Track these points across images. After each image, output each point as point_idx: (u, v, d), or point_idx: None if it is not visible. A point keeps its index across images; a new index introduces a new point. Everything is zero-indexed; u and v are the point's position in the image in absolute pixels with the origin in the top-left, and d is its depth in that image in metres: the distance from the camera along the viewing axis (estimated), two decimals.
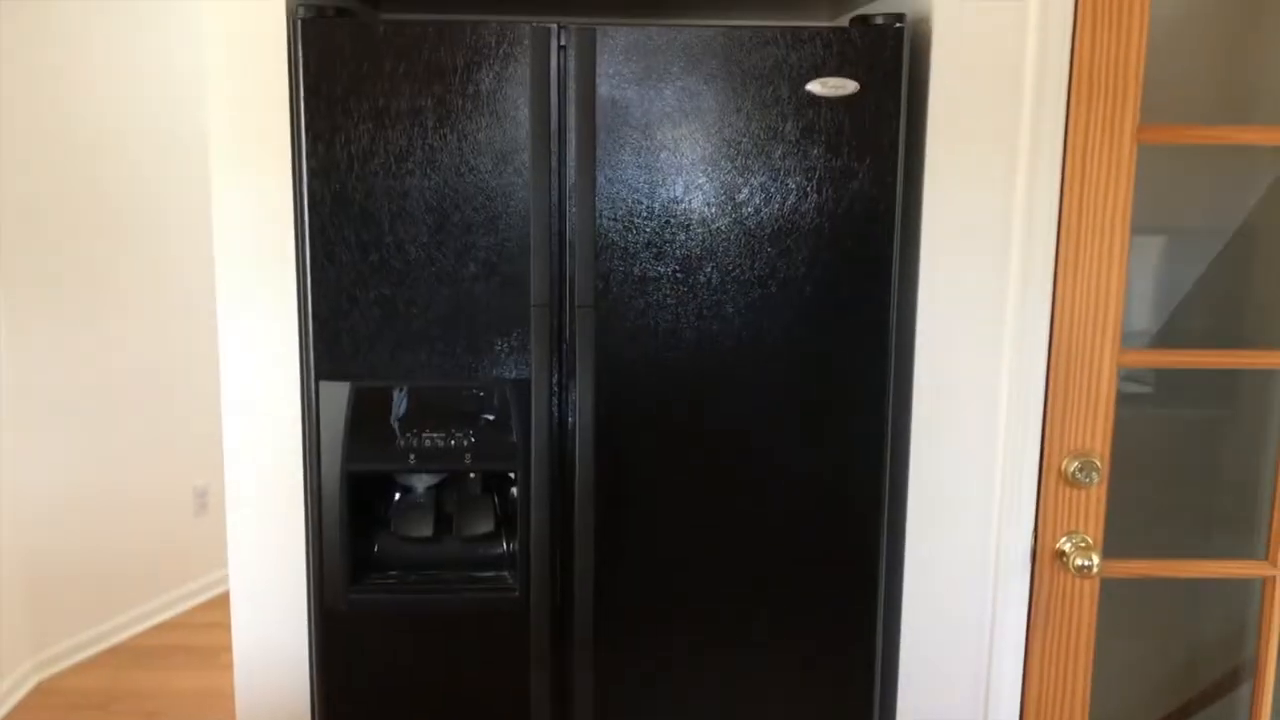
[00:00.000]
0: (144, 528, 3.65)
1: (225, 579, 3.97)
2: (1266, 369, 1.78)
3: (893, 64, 1.47)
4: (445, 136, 1.45)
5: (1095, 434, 1.62)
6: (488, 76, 1.44)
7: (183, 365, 3.74)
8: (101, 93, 3.43)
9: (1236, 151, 1.96)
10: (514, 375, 1.50)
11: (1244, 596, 2.14)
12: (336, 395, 1.49)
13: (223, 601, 3.87)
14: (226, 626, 3.64)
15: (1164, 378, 1.99)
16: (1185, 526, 2.13)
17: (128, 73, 3.52)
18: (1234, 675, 2.19)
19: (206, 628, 3.65)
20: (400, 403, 1.51)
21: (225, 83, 1.48)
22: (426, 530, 1.54)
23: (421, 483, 1.58)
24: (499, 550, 1.58)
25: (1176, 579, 1.80)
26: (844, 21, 1.91)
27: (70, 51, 3.31)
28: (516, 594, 1.54)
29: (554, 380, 1.50)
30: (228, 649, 3.46)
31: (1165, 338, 1.99)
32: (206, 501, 3.87)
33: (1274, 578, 1.69)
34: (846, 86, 1.47)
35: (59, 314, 3.30)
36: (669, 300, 1.50)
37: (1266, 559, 1.70)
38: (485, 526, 1.55)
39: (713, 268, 1.50)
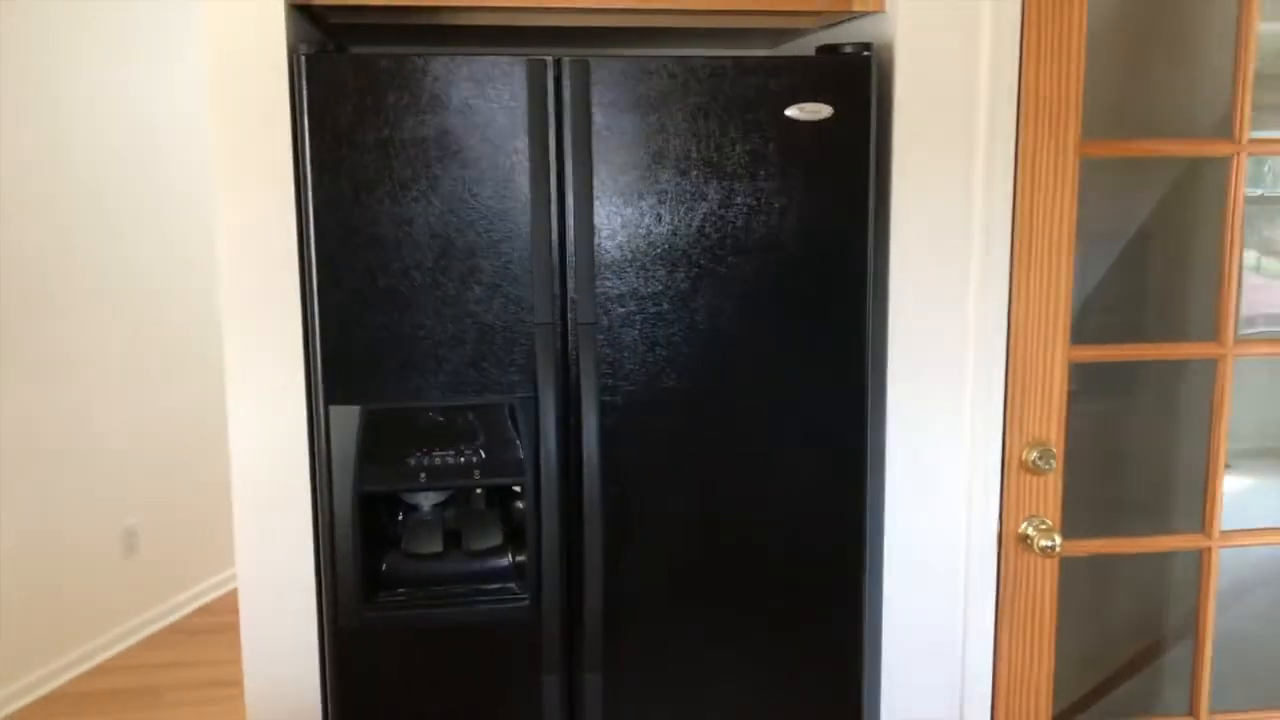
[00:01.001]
0: (72, 571, 3.54)
1: (156, 619, 3.87)
2: (1173, 360, 1.97)
3: (862, 89, 1.58)
4: (447, 165, 1.51)
5: (1051, 424, 1.76)
6: (487, 106, 1.50)
7: (103, 405, 3.65)
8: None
9: (1134, 163, 2.14)
10: (520, 392, 1.56)
11: (1159, 573, 2.33)
12: (347, 419, 1.53)
13: (156, 641, 3.77)
14: (165, 666, 3.57)
15: (1083, 372, 2.16)
16: (1105, 512, 2.32)
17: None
18: (1156, 646, 2.38)
19: (143, 669, 3.55)
20: (409, 422, 1.56)
21: (227, 120, 1.50)
22: (437, 546, 1.58)
23: (428, 500, 1.63)
24: (505, 562, 1.64)
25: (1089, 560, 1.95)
26: (798, 50, 2.04)
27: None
28: (527, 603, 1.60)
29: (558, 395, 1.56)
30: (171, 688, 3.38)
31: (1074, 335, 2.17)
32: (135, 542, 3.78)
33: (1209, 548, 1.85)
34: (822, 111, 1.58)
35: None
36: (667, 315, 1.58)
37: (1202, 532, 1.86)
38: (494, 540, 1.60)
39: (706, 283, 1.59)
